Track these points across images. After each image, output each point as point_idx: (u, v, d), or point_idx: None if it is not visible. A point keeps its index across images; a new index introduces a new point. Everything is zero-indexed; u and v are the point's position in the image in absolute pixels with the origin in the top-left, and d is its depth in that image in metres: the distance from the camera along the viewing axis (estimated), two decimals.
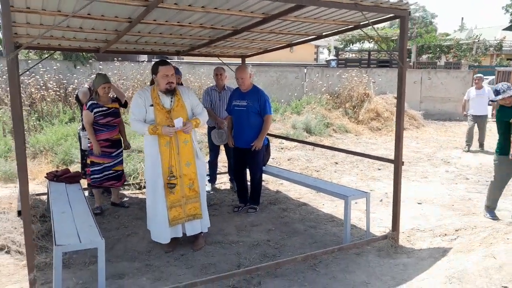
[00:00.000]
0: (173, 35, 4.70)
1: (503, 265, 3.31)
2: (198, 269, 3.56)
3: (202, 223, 4.01)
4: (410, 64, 18.64)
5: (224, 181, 6.42)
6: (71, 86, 9.68)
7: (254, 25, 4.12)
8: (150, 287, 3.26)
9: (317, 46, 27.45)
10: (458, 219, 4.75)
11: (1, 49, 9.00)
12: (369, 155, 4.79)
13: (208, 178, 5.87)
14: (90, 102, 4.72)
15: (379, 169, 7.40)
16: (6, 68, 2.58)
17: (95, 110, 4.69)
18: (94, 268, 3.35)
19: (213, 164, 6.00)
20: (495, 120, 4.88)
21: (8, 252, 3.82)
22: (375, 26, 3.92)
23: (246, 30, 4.35)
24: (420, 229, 4.47)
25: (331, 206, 5.29)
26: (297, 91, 12.96)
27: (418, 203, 5.45)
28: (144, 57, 11.68)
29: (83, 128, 5.01)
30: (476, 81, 9.21)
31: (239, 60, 6.71)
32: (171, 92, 3.79)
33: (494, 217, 4.70)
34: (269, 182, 6.37)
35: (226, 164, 6.32)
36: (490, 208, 4.77)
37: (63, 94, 9.55)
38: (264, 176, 5.29)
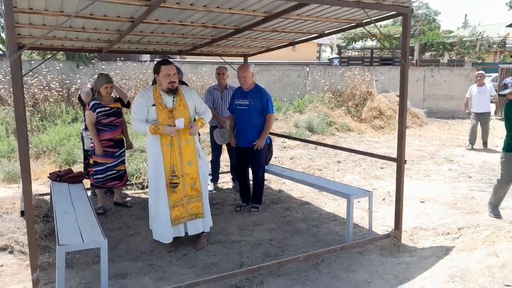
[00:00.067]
0: (175, 34, 4.70)
1: (506, 264, 3.30)
2: (200, 268, 3.57)
3: (205, 223, 4.01)
4: (413, 62, 18.57)
5: (226, 181, 6.42)
6: (74, 86, 9.71)
7: (256, 23, 4.12)
8: (153, 286, 3.26)
9: (319, 45, 27.44)
10: (461, 218, 4.74)
11: (4, 49, 9.04)
12: (371, 153, 4.78)
13: (211, 178, 5.88)
14: (93, 102, 4.73)
15: (381, 168, 7.39)
16: (9, 68, 2.59)
17: (97, 110, 4.70)
18: (96, 268, 3.36)
19: (215, 163, 6.01)
20: (498, 118, 4.85)
21: (11, 252, 3.84)
22: (378, 24, 3.91)
23: (248, 29, 4.34)
24: (423, 228, 4.46)
25: (333, 205, 5.28)
26: (300, 90, 12.95)
27: (421, 202, 5.44)
28: (147, 57, 11.69)
29: (86, 128, 5.03)
30: (478, 78, 9.11)
31: (241, 59, 6.71)
32: (173, 91, 3.80)
33: (498, 216, 4.68)
34: (272, 181, 6.37)
35: (229, 164, 6.33)
36: (495, 206, 4.75)
37: (66, 94, 9.58)
38: (266, 175, 5.28)
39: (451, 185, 6.26)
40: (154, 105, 3.77)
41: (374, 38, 22.75)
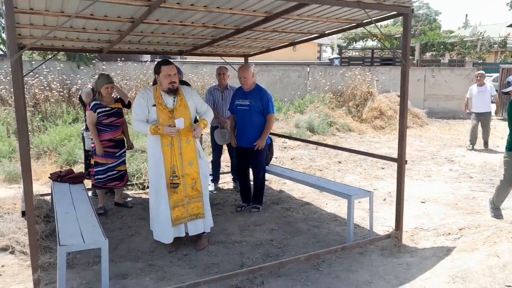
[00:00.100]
0: (176, 34, 4.70)
1: (506, 264, 3.30)
2: (201, 269, 3.57)
3: (205, 223, 4.01)
4: (414, 62, 18.56)
5: (227, 181, 6.42)
6: (75, 86, 9.72)
7: (257, 24, 4.12)
8: (154, 287, 3.26)
9: (320, 45, 27.43)
10: (461, 218, 4.73)
11: (5, 50, 9.04)
12: (372, 154, 4.78)
13: (211, 178, 5.88)
14: (93, 103, 4.74)
15: (382, 168, 7.38)
16: (10, 69, 2.59)
17: (98, 111, 4.70)
18: (97, 268, 3.36)
19: (216, 163, 6.01)
20: (499, 118, 4.84)
21: (12, 253, 3.84)
22: (378, 24, 3.91)
23: (248, 29, 4.34)
24: (424, 228, 4.46)
25: (334, 206, 5.28)
26: (300, 90, 12.95)
27: (422, 202, 5.43)
28: (147, 57, 11.70)
29: (87, 129, 5.03)
30: (478, 78, 9.08)
31: (241, 59, 6.71)
32: (173, 91, 3.80)
33: (499, 216, 4.66)
34: (272, 182, 6.37)
35: (229, 164, 6.32)
36: (497, 207, 4.73)
37: (66, 95, 9.59)
38: (267, 175, 5.28)
39: (452, 186, 6.25)
40: (154, 105, 3.77)
41: (374, 38, 22.75)
